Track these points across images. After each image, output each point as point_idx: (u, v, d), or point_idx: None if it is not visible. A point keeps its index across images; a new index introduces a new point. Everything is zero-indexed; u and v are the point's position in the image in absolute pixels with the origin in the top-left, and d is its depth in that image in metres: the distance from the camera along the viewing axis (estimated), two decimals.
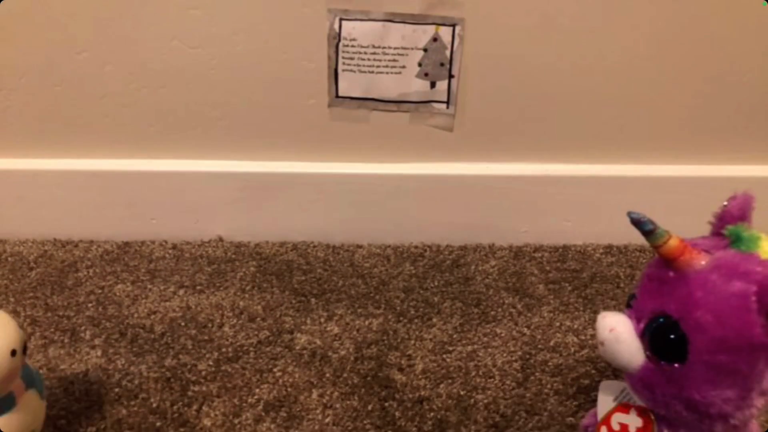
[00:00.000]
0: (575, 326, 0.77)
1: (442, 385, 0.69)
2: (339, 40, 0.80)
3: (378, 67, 0.82)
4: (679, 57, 0.82)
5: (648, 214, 0.92)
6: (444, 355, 0.73)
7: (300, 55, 0.82)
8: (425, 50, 0.81)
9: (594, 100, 0.85)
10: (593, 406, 0.66)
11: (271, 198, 0.89)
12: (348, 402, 0.68)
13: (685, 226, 0.91)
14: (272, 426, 0.65)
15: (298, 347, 0.74)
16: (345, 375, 0.71)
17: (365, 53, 0.81)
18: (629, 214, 0.52)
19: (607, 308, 0.79)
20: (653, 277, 0.53)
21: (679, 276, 0.50)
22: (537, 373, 0.71)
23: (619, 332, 0.52)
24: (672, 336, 0.49)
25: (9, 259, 0.88)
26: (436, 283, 0.84)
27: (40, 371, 0.70)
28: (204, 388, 0.69)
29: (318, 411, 0.67)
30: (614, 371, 0.70)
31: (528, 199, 0.89)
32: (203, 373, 0.70)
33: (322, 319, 0.78)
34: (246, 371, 0.71)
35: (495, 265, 0.87)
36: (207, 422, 0.65)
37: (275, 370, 0.71)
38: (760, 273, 0.47)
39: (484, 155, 0.88)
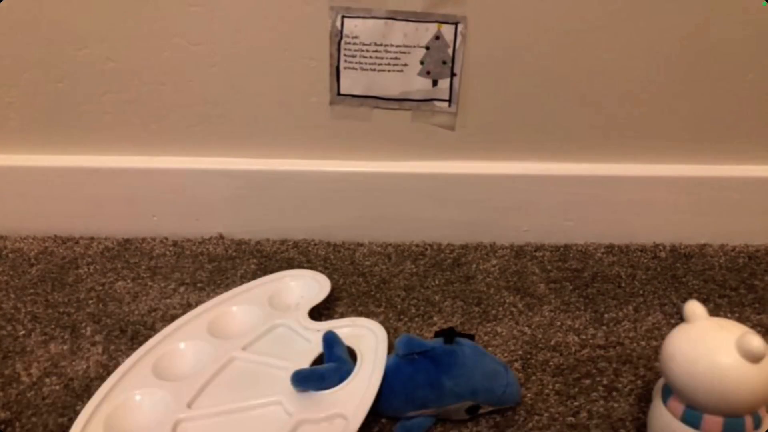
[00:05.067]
0: (576, 326, 0.77)
1: None
2: (341, 38, 0.80)
3: (380, 65, 0.82)
4: (679, 57, 0.82)
5: (648, 213, 0.93)
6: None
7: (302, 52, 0.82)
8: (427, 48, 0.81)
9: (595, 100, 0.85)
10: (593, 406, 0.67)
11: (272, 196, 0.89)
12: None
13: (685, 225, 0.92)
14: None
15: None
16: None
17: (367, 51, 0.81)
18: None
19: (608, 308, 0.79)
20: None
21: None
22: (538, 373, 0.71)
23: None
24: None
25: (10, 255, 0.88)
26: (437, 282, 0.84)
27: (42, 368, 0.70)
28: None
29: None
30: (615, 373, 0.71)
31: (529, 198, 0.89)
32: None
33: (323, 318, 0.78)
34: None
35: (496, 264, 0.87)
36: None
37: None
38: None
39: (485, 154, 0.88)
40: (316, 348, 0.67)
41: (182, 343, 0.70)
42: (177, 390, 0.63)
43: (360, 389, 0.61)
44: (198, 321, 0.73)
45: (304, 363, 0.65)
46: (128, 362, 0.67)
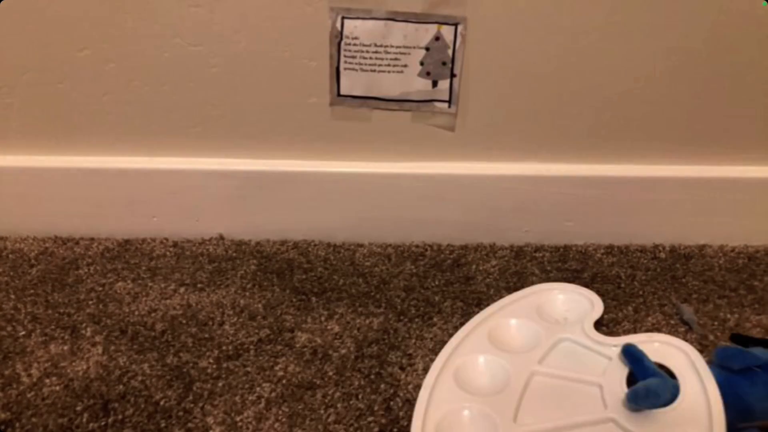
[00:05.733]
0: None
1: None
2: (341, 39, 0.80)
3: (380, 65, 0.82)
4: (679, 57, 0.82)
5: (648, 214, 0.93)
6: None
7: (302, 53, 0.82)
8: (427, 49, 0.81)
9: (595, 100, 0.85)
10: None
11: (272, 196, 0.89)
12: (351, 401, 0.68)
13: (684, 226, 0.92)
14: (275, 424, 0.65)
15: (298, 345, 0.74)
16: (347, 374, 0.71)
17: (367, 52, 0.81)
18: None
19: (608, 308, 0.79)
20: None
21: None
22: None
23: None
24: None
25: (10, 256, 0.88)
26: (436, 283, 0.84)
27: (42, 368, 0.70)
28: (206, 386, 0.69)
29: (321, 410, 0.67)
30: None
31: (529, 199, 0.89)
32: (206, 371, 0.70)
33: (323, 318, 0.78)
34: (247, 369, 0.71)
35: (496, 265, 0.87)
36: (210, 420, 0.65)
37: (276, 368, 0.71)
38: None
39: (485, 155, 0.88)
40: (618, 364, 0.66)
41: (481, 357, 0.69)
42: (496, 404, 0.63)
43: (701, 406, 0.59)
44: (477, 334, 0.72)
45: (615, 379, 0.64)
46: (431, 376, 0.66)
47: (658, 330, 0.76)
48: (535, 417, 0.62)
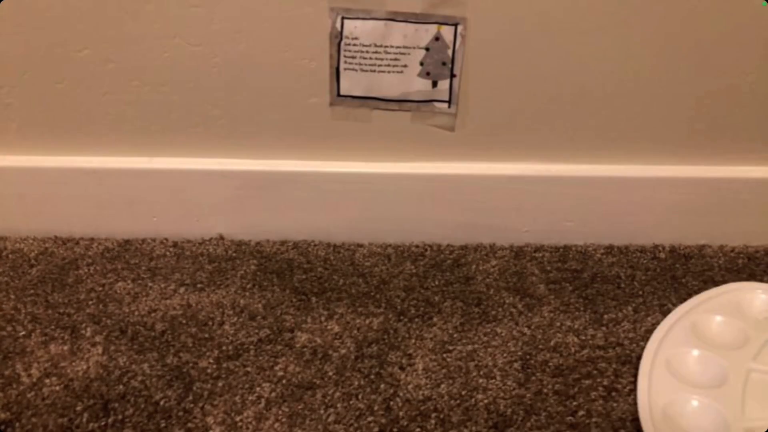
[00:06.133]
0: (576, 326, 0.77)
1: (443, 385, 0.70)
2: (341, 39, 0.80)
3: (380, 66, 0.82)
4: (679, 57, 0.82)
5: (648, 213, 0.93)
6: (444, 355, 0.73)
7: (301, 53, 0.82)
8: (427, 49, 0.81)
9: (595, 100, 0.85)
10: (593, 406, 0.67)
11: (272, 197, 0.90)
12: (351, 401, 0.68)
13: (684, 226, 0.92)
14: (275, 424, 0.65)
15: (298, 345, 0.74)
16: (347, 374, 0.71)
17: (367, 52, 0.81)
18: None
19: (607, 308, 0.80)
20: None
21: None
22: (537, 374, 0.71)
23: None
24: None
25: (10, 256, 0.88)
26: (436, 283, 0.84)
27: (42, 368, 0.70)
28: (206, 386, 0.69)
29: (321, 410, 0.67)
30: (614, 373, 0.71)
31: (529, 199, 0.89)
32: (206, 371, 0.70)
33: (323, 318, 0.78)
34: (247, 369, 0.71)
35: (496, 265, 0.87)
36: (209, 420, 0.65)
37: (276, 368, 0.71)
38: None
39: (485, 155, 0.88)
40: None
41: (694, 351, 0.69)
42: (719, 397, 0.63)
43: None
44: (680, 328, 0.72)
45: None
46: (645, 365, 0.67)
47: None
48: (763, 413, 0.61)
